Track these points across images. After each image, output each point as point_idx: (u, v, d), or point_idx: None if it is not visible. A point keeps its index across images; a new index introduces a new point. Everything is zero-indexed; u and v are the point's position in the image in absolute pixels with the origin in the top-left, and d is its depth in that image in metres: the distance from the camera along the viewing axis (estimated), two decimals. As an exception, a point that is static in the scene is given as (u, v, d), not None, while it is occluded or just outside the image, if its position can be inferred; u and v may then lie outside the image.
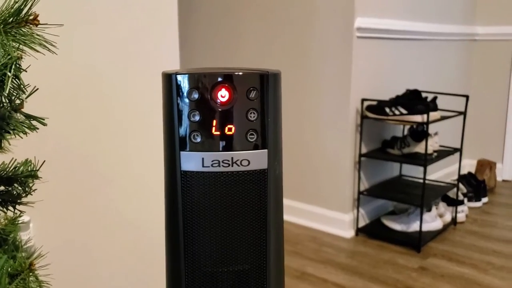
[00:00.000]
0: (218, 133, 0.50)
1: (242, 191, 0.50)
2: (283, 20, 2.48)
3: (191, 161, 0.50)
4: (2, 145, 0.56)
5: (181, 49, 1.31)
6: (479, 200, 2.82)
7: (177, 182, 0.50)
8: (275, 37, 2.52)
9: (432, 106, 2.22)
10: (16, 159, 0.57)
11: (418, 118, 2.19)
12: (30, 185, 0.59)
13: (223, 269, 0.50)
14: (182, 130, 0.50)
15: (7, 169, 0.57)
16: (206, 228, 0.50)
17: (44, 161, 0.58)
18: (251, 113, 0.50)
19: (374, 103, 2.30)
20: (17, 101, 0.48)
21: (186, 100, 0.49)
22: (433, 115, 2.22)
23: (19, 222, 0.69)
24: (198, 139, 0.50)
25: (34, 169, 0.57)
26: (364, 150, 2.38)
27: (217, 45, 2.79)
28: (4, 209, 0.59)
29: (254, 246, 0.51)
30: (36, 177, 0.58)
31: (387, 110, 2.25)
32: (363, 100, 2.30)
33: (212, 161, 0.50)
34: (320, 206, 2.47)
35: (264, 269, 0.51)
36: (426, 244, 2.28)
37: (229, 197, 0.50)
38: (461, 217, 2.57)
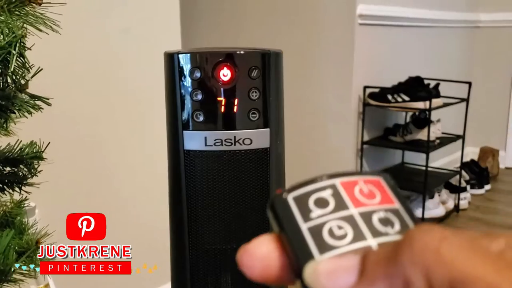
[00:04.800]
0: (220, 112, 0.50)
1: (245, 170, 0.51)
2: (285, 7, 2.46)
3: (194, 140, 0.50)
4: (8, 127, 0.57)
5: (184, 31, 1.31)
6: (482, 187, 2.82)
7: (180, 161, 0.51)
8: (277, 24, 2.51)
9: (434, 92, 2.22)
10: (21, 141, 0.58)
11: (420, 104, 2.18)
12: (36, 166, 0.60)
13: (226, 246, 0.51)
14: (185, 110, 0.50)
15: (13, 151, 0.58)
16: (209, 206, 0.51)
17: (49, 142, 0.59)
18: (253, 92, 0.50)
19: (376, 90, 2.29)
20: (22, 81, 0.49)
21: (188, 80, 0.50)
22: (436, 101, 2.21)
23: (25, 205, 0.70)
24: (201, 118, 0.50)
25: (39, 150, 0.58)
26: (366, 138, 2.38)
27: (220, 27, 2.78)
28: (10, 190, 0.60)
29: (257, 223, 0.51)
30: (41, 158, 0.59)
31: (389, 97, 2.24)
32: (365, 87, 2.29)
33: (215, 140, 0.50)
34: (322, 193, 2.47)
35: (267, 246, 0.52)
36: (429, 230, 2.28)
37: (231, 175, 0.51)
38: (463, 204, 2.57)
